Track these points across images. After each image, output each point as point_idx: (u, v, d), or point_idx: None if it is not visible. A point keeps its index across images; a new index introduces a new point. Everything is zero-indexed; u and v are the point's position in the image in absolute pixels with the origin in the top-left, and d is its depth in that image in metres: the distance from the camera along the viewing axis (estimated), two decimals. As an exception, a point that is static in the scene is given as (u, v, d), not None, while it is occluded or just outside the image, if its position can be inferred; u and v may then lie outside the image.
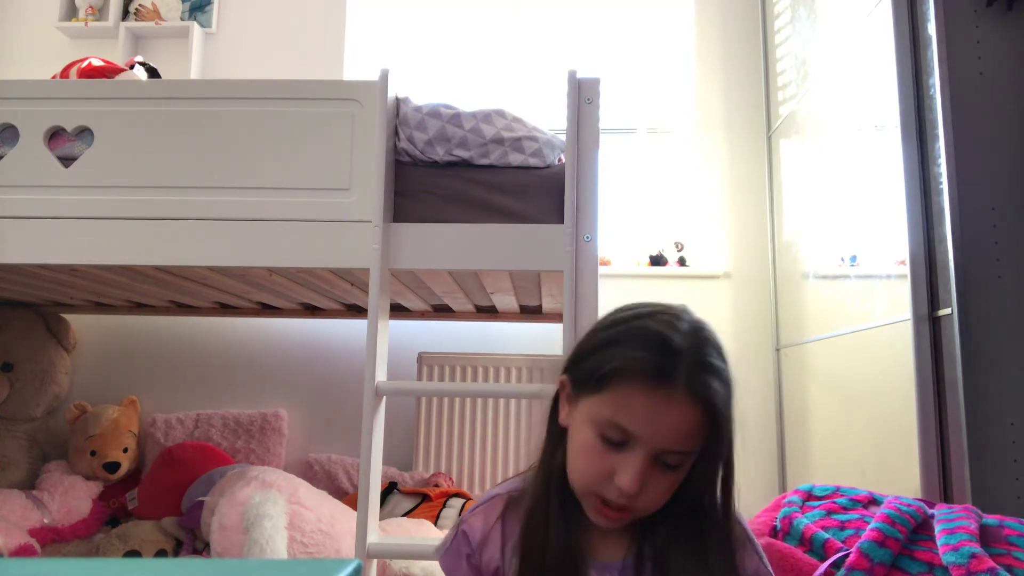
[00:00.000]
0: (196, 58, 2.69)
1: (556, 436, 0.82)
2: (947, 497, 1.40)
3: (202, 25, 2.73)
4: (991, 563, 0.84)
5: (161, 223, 1.47)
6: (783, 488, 2.28)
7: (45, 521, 1.99)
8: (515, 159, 1.48)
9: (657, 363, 0.70)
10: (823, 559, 0.99)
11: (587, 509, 0.76)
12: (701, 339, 0.74)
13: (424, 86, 2.73)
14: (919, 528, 0.98)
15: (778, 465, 2.33)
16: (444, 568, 0.86)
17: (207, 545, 1.72)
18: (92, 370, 2.54)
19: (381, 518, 1.77)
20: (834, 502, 1.15)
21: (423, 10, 2.81)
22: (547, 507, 0.78)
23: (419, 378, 2.34)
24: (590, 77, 1.52)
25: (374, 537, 1.39)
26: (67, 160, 1.51)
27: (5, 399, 2.29)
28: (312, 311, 2.44)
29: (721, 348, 0.76)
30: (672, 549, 0.75)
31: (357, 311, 2.41)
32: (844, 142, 1.90)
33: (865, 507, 1.11)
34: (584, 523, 0.78)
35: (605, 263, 2.51)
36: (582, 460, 0.75)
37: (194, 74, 2.67)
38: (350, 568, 0.43)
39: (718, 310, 2.48)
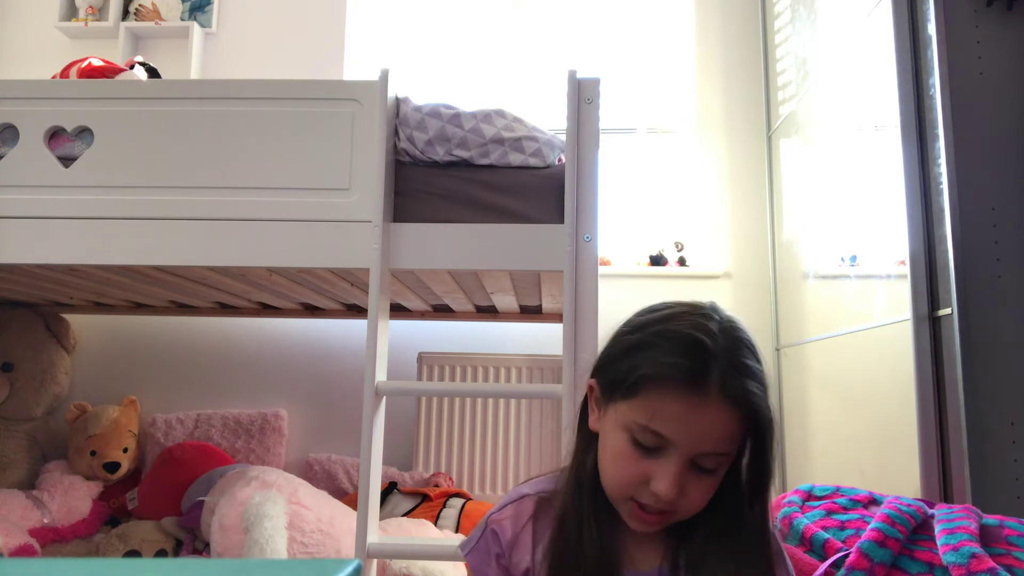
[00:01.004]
0: (196, 58, 2.69)
1: (586, 441, 0.80)
2: (947, 497, 1.40)
3: (202, 25, 2.73)
4: (991, 563, 0.84)
5: (161, 223, 1.47)
6: (783, 488, 2.28)
7: (45, 521, 1.99)
8: (515, 159, 1.48)
9: (690, 368, 0.69)
10: (823, 559, 0.99)
11: (624, 515, 0.75)
12: (734, 339, 0.72)
13: (424, 86, 2.73)
14: (919, 528, 0.98)
15: (778, 465, 2.33)
16: (473, 566, 0.84)
17: (207, 545, 1.72)
18: (92, 370, 2.54)
19: (381, 518, 1.77)
20: (834, 502, 1.15)
21: (423, 10, 2.81)
22: (580, 514, 0.76)
23: (419, 378, 2.34)
24: (590, 77, 1.52)
25: (374, 537, 1.39)
26: (67, 160, 1.51)
27: (5, 399, 2.29)
28: (312, 311, 2.44)
29: (755, 347, 0.74)
30: (708, 558, 0.74)
31: (357, 311, 2.41)
32: (844, 142, 1.90)
33: (865, 507, 1.11)
34: (618, 530, 0.77)
35: (605, 263, 2.51)
36: (616, 466, 0.74)
37: (194, 74, 2.67)
38: (350, 568, 0.43)
39: (718, 310, 2.47)
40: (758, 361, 0.73)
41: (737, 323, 0.75)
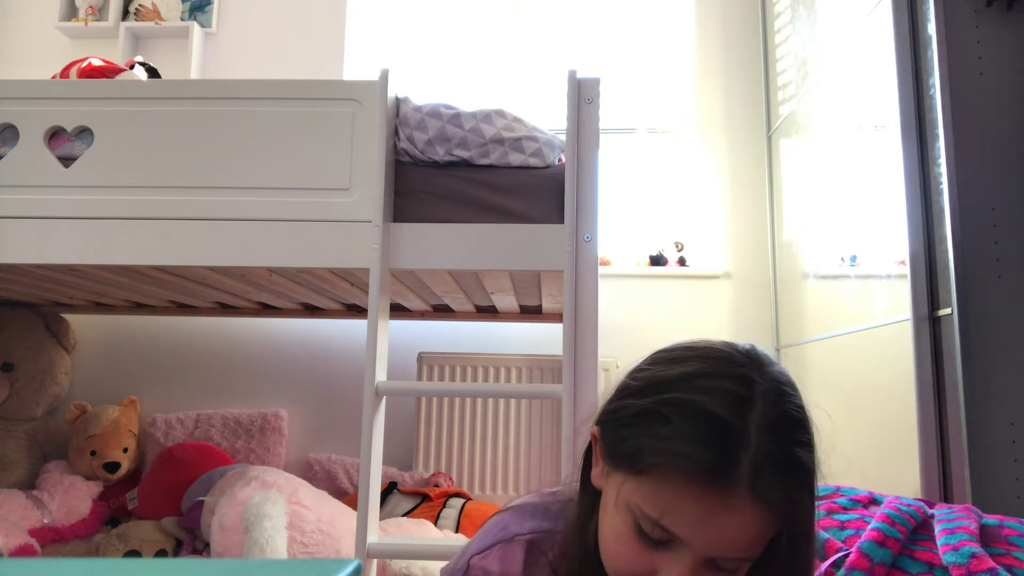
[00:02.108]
0: (196, 58, 2.69)
1: (590, 500, 0.68)
2: (947, 497, 1.40)
3: (202, 25, 2.73)
4: (991, 563, 0.84)
5: (161, 223, 1.47)
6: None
7: (45, 521, 1.99)
8: (515, 159, 1.48)
9: (714, 461, 0.55)
10: (823, 559, 0.99)
11: None
12: (778, 416, 0.57)
13: (424, 86, 2.73)
14: (919, 528, 0.97)
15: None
16: None
17: (207, 545, 1.72)
18: (92, 370, 2.54)
19: (381, 518, 1.77)
20: (834, 502, 1.15)
21: (423, 10, 2.81)
22: None
23: (419, 378, 2.34)
24: (590, 77, 1.52)
25: (374, 537, 1.39)
26: (67, 160, 1.51)
27: (5, 399, 2.29)
28: (312, 311, 2.44)
29: (805, 420, 0.59)
30: None
31: (357, 311, 2.41)
32: (844, 142, 1.90)
33: (865, 507, 1.11)
34: None
35: (605, 263, 2.51)
36: (617, 552, 0.61)
37: (194, 74, 2.67)
38: (350, 568, 0.43)
39: (718, 310, 2.48)
40: (807, 443, 0.58)
41: (785, 387, 0.59)
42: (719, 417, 0.56)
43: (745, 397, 0.57)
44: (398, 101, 1.52)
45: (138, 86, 1.60)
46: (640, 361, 0.66)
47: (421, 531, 1.81)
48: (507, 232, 1.46)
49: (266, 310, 2.43)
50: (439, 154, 1.48)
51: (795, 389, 0.60)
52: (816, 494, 0.59)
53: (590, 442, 0.68)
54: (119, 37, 2.69)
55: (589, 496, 0.68)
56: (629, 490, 0.60)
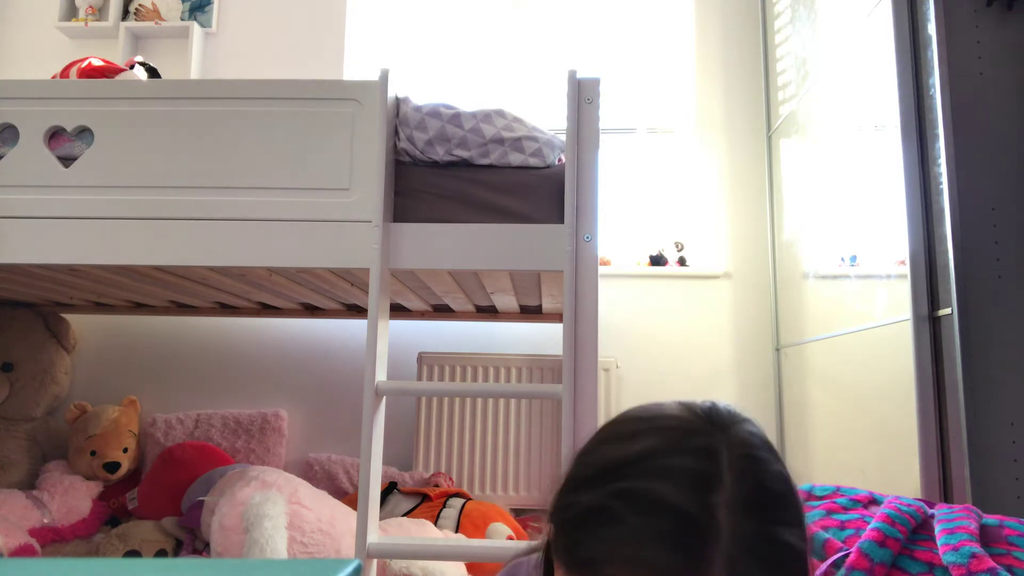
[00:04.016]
0: (196, 58, 2.69)
1: None
2: (947, 497, 1.40)
3: (202, 25, 2.73)
4: (991, 563, 0.84)
5: (161, 223, 1.47)
6: (783, 488, 2.28)
7: (45, 521, 1.99)
8: (515, 159, 1.48)
9: (679, 565, 0.45)
10: (823, 559, 0.99)
11: None
12: (752, 497, 0.47)
13: (424, 86, 2.73)
14: (919, 528, 0.97)
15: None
16: None
17: (207, 545, 1.72)
18: (92, 370, 2.54)
19: (381, 518, 1.77)
20: (834, 502, 1.15)
21: (423, 10, 2.81)
22: None
23: (419, 378, 2.34)
24: (590, 77, 1.52)
25: (374, 537, 1.39)
26: (67, 160, 1.51)
27: (5, 399, 2.29)
28: (312, 311, 2.44)
29: (788, 493, 0.49)
30: None
31: (357, 311, 2.41)
32: (844, 142, 1.90)
33: (865, 507, 1.11)
34: None
35: (605, 263, 2.51)
36: None
37: (194, 74, 2.67)
38: (350, 568, 0.43)
39: (718, 310, 2.48)
40: (791, 520, 0.48)
41: (757, 452, 0.49)
42: (678, 509, 0.46)
43: (708, 474, 0.47)
44: (398, 101, 1.52)
45: (138, 86, 1.60)
46: (590, 439, 0.56)
47: (421, 531, 1.81)
48: (507, 232, 1.46)
49: (266, 310, 2.43)
50: (439, 154, 1.48)
51: (770, 450, 0.50)
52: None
53: (548, 540, 0.56)
54: (119, 37, 2.69)
55: None
56: None
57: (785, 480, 0.49)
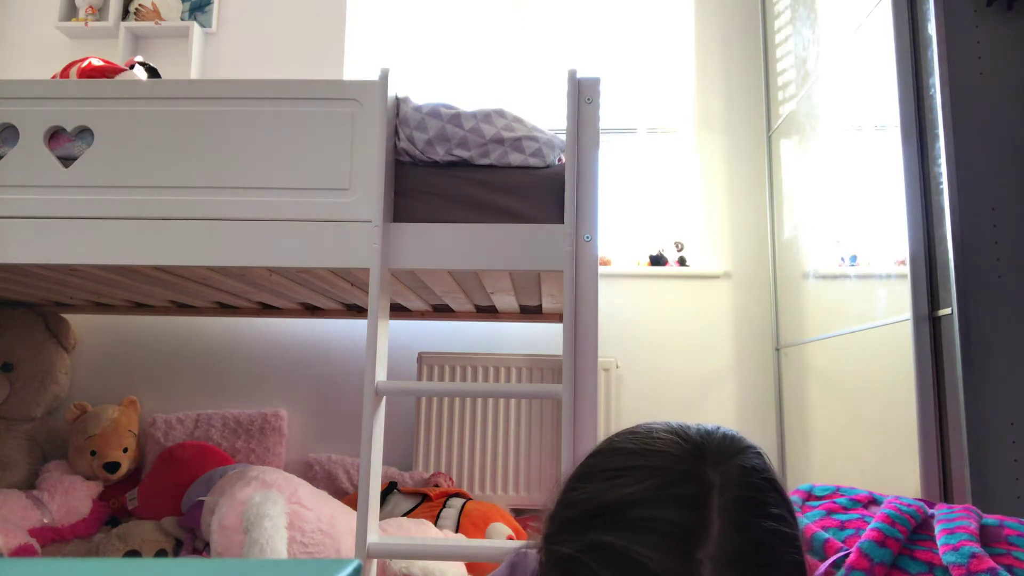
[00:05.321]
0: (196, 58, 2.69)
1: None
2: (947, 497, 1.40)
3: (202, 25, 2.73)
4: (991, 563, 0.84)
5: (161, 223, 1.47)
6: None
7: (45, 521, 1.99)
8: (515, 159, 1.48)
9: None
10: (823, 559, 0.99)
11: None
12: (739, 554, 0.43)
13: (424, 86, 2.73)
14: (919, 528, 0.97)
15: (778, 465, 2.33)
16: None
17: (207, 545, 1.72)
18: (92, 370, 2.54)
19: (381, 518, 1.77)
20: (834, 502, 1.15)
21: (423, 10, 2.81)
22: None
23: (419, 378, 2.34)
24: (590, 77, 1.52)
25: (374, 537, 1.39)
26: (67, 160, 1.51)
27: (5, 399, 2.29)
28: (312, 311, 2.44)
29: (783, 547, 0.46)
30: None
31: (357, 311, 2.41)
32: (844, 142, 1.90)
33: (865, 507, 1.11)
34: None
35: (605, 263, 2.51)
36: None
37: (194, 74, 2.67)
38: (350, 568, 0.43)
39: (718, 310, 2.48)
40: (781, 569, 0.45)
41: (751, 492, 0.46)
42: (669, 545, 0.43)
43: (692, 528, 0.43)
44: (398, 101, 1.52)
45: (138, 86, 1.60)
46: (583, 460, 0.53)
47: (421, 531, 1.81)
48: (507, 232, 1.46)
49: (266, 310, 2.43)
50: (439, 154, 1.48)
51: (769, 486, 0.46)
52: None
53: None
54: (119, 37, 2.69)
55: None
56: None
57: (780, 521, 0.46)
